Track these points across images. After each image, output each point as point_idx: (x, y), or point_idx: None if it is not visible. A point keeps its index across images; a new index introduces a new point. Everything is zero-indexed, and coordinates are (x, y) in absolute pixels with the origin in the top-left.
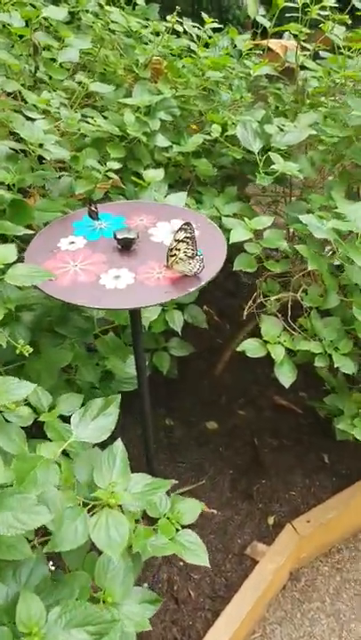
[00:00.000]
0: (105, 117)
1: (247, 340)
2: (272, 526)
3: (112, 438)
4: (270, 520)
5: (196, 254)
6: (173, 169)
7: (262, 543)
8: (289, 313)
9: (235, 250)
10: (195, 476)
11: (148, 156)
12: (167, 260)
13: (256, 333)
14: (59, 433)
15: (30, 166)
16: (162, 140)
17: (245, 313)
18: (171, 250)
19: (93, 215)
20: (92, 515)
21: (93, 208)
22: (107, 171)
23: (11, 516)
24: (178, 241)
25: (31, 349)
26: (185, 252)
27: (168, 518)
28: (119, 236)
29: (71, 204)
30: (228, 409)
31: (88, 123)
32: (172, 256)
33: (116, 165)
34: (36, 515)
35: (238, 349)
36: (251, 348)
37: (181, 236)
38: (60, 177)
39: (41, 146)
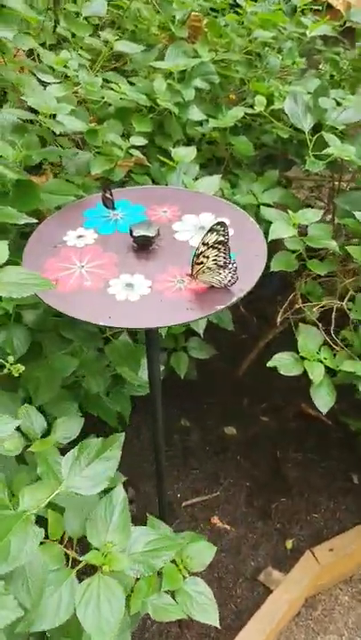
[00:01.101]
0: (132, 83)
1: (280, 355)
2: (290, 551)
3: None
4: (288, 544)
5: (229, 262)
6: (207, 146)
7: (278, 570)
8: (333, 323)
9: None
10: (208, 485)
11: (179, 130)
12: (192, 269)
13: (289, 334)
14: (51, 469)
15: (42, 140)
16: (196, 113)
17: (279, 319)
18: (197, 256)
19: (108, 203)
20: (81, 576)
21: (108, 195)
22: (129, 147)
23: None
24: (207, 246)
25: (22, 368)
26: (215, 260)
27: (174, 562)
28: (135, 234)
29: (88, 185)
30: (249, 414)
31: (112, 90)
32: (198, 264)
33: (141, 141)
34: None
35: (269, 364)
36: (284, 364)
37: (212, 239)
38: (77, 153)
39: (54, 116)
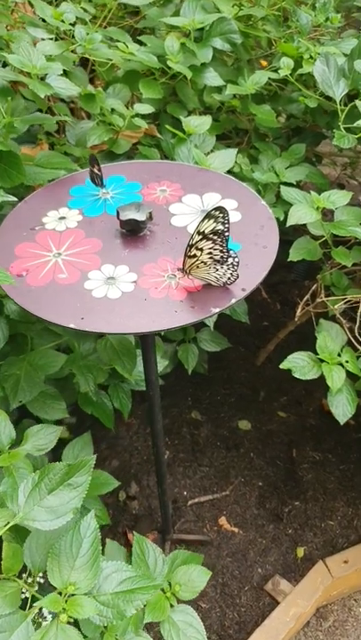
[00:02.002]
0: (142, 43)
1: (294, 356)
2: (301, 559)
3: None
4: (300, 551)
5: (227, 256)
6: (226, 116)
7: (286, 579)
8: (358, 320)
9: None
10: (217, 483)
11: (194, 98)
12: (183, 263)
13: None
14: (16, 490)
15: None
16: (213, 77)
17: (299, 313)
18: (190, 248)
19: (96, 179)
20: (38, 617)
21: (96, 170)
22: (133, 115)
23: None
24: (202, 235)
25: None
26: (210, 253)
27: (162, 589)
28: (122, 217)
29: (87, 157)
30: (266, 408)
31: (119, 49)
32: (190, 257)
33: (148, 109)
34: None
35: (282, 366)
36: (298, 366)
37: (209, 227)
38: (77, 121)
39: (44, 78)
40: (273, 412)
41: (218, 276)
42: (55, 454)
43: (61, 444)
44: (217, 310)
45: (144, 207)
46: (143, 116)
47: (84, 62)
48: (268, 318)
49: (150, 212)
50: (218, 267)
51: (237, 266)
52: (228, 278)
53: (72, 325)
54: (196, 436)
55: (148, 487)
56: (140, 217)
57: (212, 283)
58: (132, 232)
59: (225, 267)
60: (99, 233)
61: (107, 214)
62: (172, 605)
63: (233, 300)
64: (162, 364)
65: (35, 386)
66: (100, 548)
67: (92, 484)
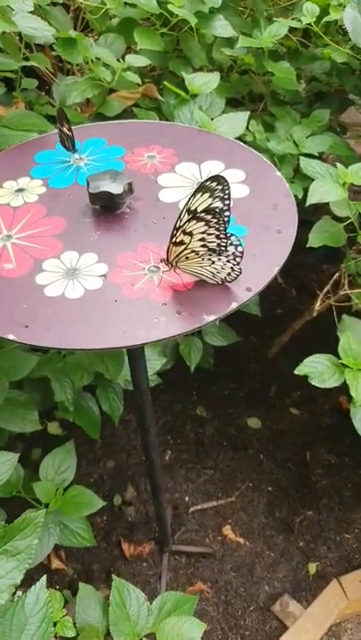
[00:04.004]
0: None
1: (312, 359)
2: (313, 576)
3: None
4: (311, 567)
5: (229, 243)
6: (238, 77)
7: (296, 600)
8: None
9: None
10: (223, 488)
11: (201, 53)
12: (168, 252)
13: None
14: None
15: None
16: (223, 27)
17: (317, 307)
18: (176, 231)
19: (66, 142)
20: None
21: (66, 130)
22: (125, 69)
23: None
24: (192, 214)
25: None
26: (204, 239)
27: None
28: (93, 189)
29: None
30: (278, 404)
31: None
32: (177, 244)
33: (143, 61)
34: None
35: (298, 372)
36: (317, 372)
37: (202, 203)
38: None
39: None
40: (285, 409)
41: (214, 271)
42: (44, 454)
43: (53, 442)
44: (211, 318)
45: (122, 176)
46: (142, 75)
47: (77, 15)
48: (282, 306)
49: (130, 183)
50: (214, 258)
51: (241, 257)
52: (228, 274)
53: (11, 336)
54: (201, 435)
55: (146, 491)
56: (116, 189)
57: (207, 279)
58: (107, 209)
59: (224, 258)
60: (64, 209)
61: (77, 185)
62: None
63: (234, 305)
64: (160, 362)
65: None
66: (53, 628)
67: (74, 503)
